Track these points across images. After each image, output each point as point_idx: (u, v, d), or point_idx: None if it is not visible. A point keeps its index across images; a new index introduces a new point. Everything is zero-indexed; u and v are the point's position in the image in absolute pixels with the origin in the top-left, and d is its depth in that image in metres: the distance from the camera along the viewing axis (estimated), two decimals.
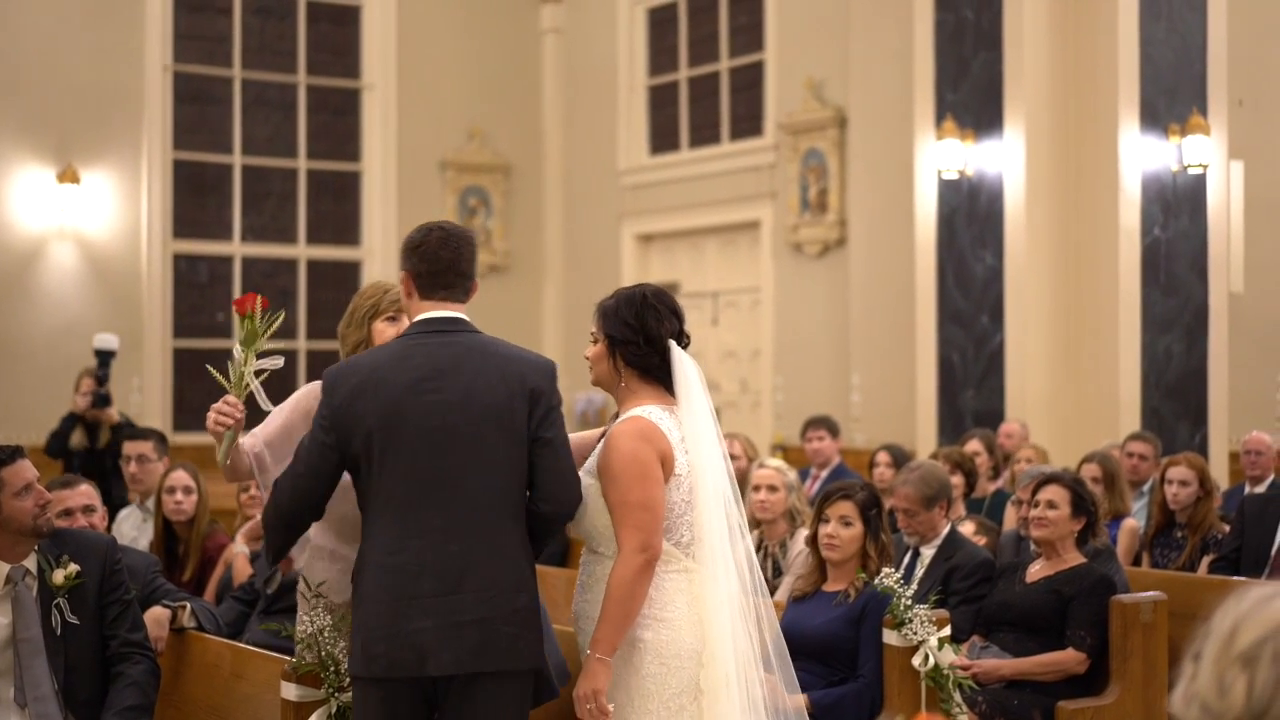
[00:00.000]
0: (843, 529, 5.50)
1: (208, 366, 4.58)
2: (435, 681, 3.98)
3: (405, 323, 4.38)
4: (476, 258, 4.29)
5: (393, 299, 4.55)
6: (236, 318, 4.42)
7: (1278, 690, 1.78)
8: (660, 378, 4.23)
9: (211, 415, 4.27)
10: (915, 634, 5.22)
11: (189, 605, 5.43)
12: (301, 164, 15.85)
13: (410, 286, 4.22)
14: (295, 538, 4.28)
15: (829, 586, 5.55)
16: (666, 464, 4.13)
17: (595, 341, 4.28)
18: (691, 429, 4.18)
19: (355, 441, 4.02)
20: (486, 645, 3.95)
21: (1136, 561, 7.90)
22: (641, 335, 4.19)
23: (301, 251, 15.84)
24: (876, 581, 5.33)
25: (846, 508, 5.53)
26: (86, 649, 4.79)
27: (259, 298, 4.41)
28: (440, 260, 4.19)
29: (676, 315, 4.29)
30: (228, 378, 4.36)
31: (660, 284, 4.69)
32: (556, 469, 4.08)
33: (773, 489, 6.66)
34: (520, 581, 4.03)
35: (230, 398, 4.30)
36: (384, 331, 4.53)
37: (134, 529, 7.41)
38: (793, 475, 6.80)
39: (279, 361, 4.37)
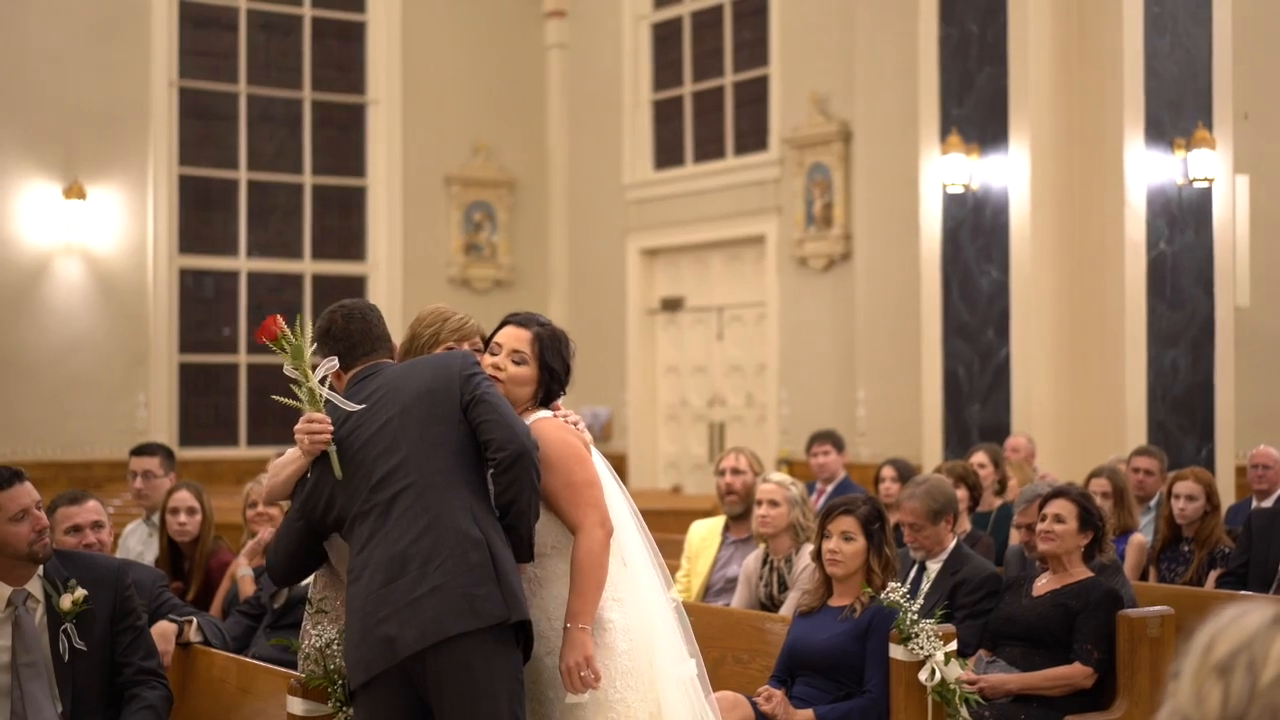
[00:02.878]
0: (845, 544, 5.50)
1: (275, 398, 4.58)
2: (414, 670, 4.01)
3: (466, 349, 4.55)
4: (383, 319, 4.47)
5: (454, 327, 4.60)
6: (270, 345, 4.42)
7: (1252, 700, 1.82)
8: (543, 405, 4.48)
9: (304, 439, 4.26)
10: (921, 648, 5.20)
11: (195, 620, 5.42)
12: (307, 179, 15.88)
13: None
14: (297, 582, 4.67)
15: (834, 601, 5.54)
16: (586, 449, 4.37)
17: (521, 363, 4.41)
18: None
19: (318, 505, 4.27)
20: (444, 612, 3.98)
21: (1144, 576, 7.88)
22: (566, 375, 4.48)
23: (307, 266, 15.86)
24: (883, 596, 5.32)
25: (848, 523, 5.52)
26: (94, 675, 4.75)
27: (277, 318, 4.42)
28: (352, 334, 4.37)
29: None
30: (298, 399, 4.36)
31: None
32: (497, 416, 4.15)
33: (774, 503, 6.65)
34: (467, 542, 4.05)
35: (311, 414, 4.31)
36: None
37: (140, 544, 7.40)
38: (796, 490, 6.78)
39: (334, 363, 4.39)
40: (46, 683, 4.69)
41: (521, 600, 4.08)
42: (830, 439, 10.04)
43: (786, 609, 6.15)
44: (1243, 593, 6.95)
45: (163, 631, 5.26)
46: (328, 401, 4.32)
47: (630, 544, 4.38)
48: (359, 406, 4.33)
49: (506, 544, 4.12)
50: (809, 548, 6.21)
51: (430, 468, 4.12)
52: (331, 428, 4.27)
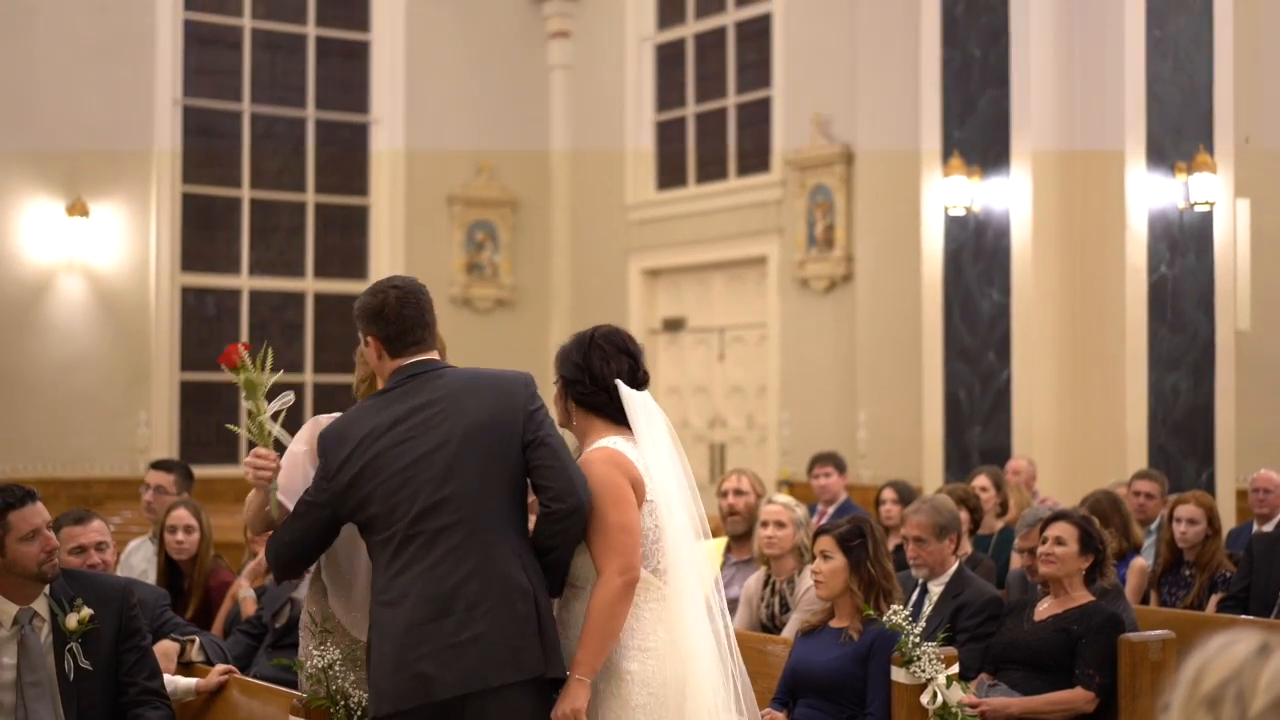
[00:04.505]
0: (824, 563, 5.51)
1: (229, 426, 4.59)
2: (446, 708, 3.97)
3: None
4: (433, 304, 4.33)
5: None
6: (229, 372, 4.42)
7: None
8: (610, 414, 4.28)
9: (249, 472, 4.30)
10: (923, 671, 5.20)
11: (198, 639, 5.42)
12: (310, 198, 15.91)
13: (379, 349, 4.25)
14: (299, 573, 4.38)
15: (836, 623, 5.54)
16: (638, 490, 4.15)
17: (555, 383, 4.38)
18: (652, 460, 4.22)
19: (350, 504, 4.11)
20: (487, 661, 3.94)
21: (1145, 600, 7.88)
22: (587, 375, 4.27)
23: (309, 285, 15.88)
24: (885, 619, 5.31)
25: (825, 542, 5.54)
26: (99, 695, 4.75)
27: (239, 345, 4.42)
28: (405, 319, 4.23)
29: (627, 354, 4.32)
30: (251, 433, 4.36)
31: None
32: (558, 465, 4.08)
33: (780, 525, 6.65)
34: (515, 591, 4.00)
35: (260, 449, 4.31)
36: None
37: (144, 561, 7.40)
38: (801, 511, 6.79)
39: (289, 398, 4.39)
40: (51, 702, 4.68)
41: (560, 655, 4.06)
42: (832, 460, 10.04)
43: (788, 631, 6.15)
44: (1244, 617, 6.94)
45: (165, 651, 5.25)
46: (278, 441, 4.32)
47: (684, 585, 4.19)
48: (304, 447, 4.33)
49: (548, 594, 4.08)
50: (811, 569, 6.21)
51: (484, 507, 4.04)
52: (275, 466, 4.27)
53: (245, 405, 4.39)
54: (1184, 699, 1.88)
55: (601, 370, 4.28)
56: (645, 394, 4.31)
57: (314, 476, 4.18)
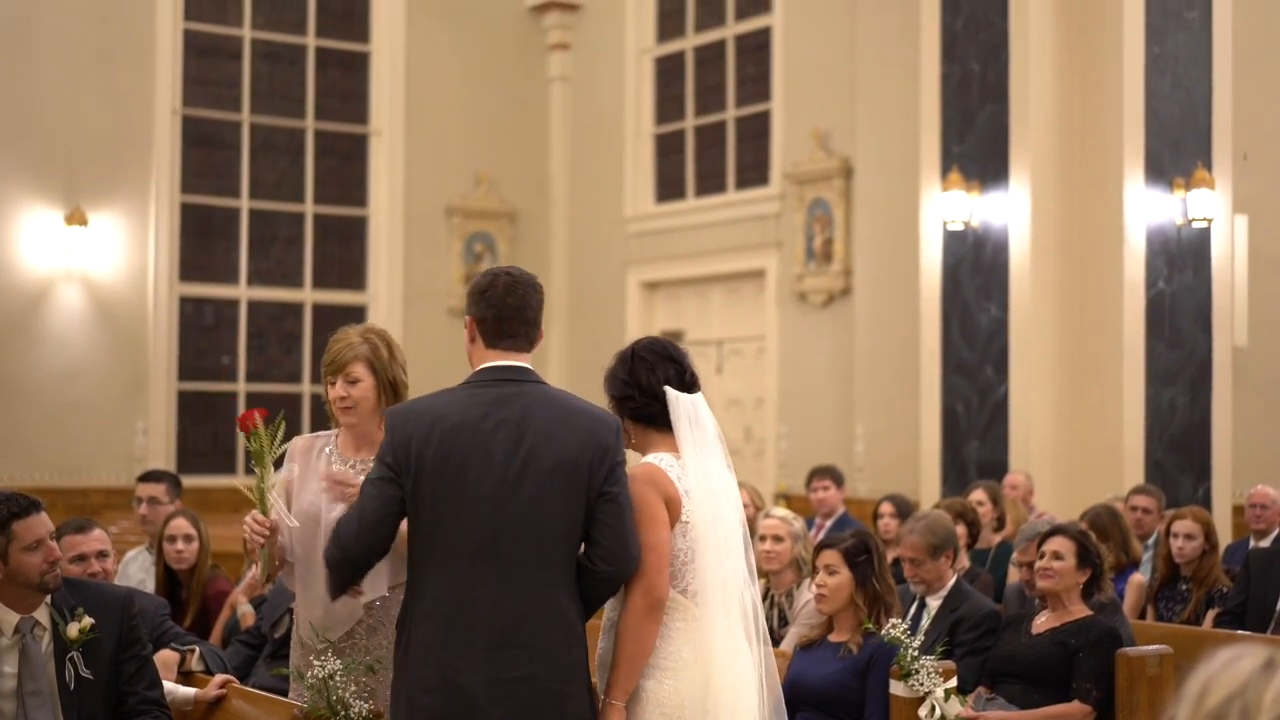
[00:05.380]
0: (829, 578, 5.51)
1: (238, 485, 4.59)
2: None
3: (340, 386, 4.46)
4: (543, 306, 4.26)
5: (326, 360, 4.56)
6: (242, 435, 4.45)
7: None
8: (667, 424, 4.23)
9: (246, 534, 4.31)
10: (922, 685, 5.21)
11: (198, 649, 5.42)
12: (309, 208, 15.92)
13: (474, 331, 4.17)
14: (361, 576, 4.17)
15: (834, 637, 5.54)
16: (673, 508, 4.09)
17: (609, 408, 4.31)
18: (695, 470, 4.17)
19: (416, 485, 3.95)
20: (537, 704, 3.90)
21: (1141, 615, 7.88)
22: (635, 388, 4.23)
23: (308, 296, 15.88)
24: (884, 632, 5.32)
25: (830, 556, 5.54)
26: (100, 704, 4.74)
27: (257, 412, 4.43)
28: (507, 307, 4.15)
29: (672, 360, 4.29)
30: (252, 496, 4.40)
31: (664, 332, 4.74)
32: (620, 527, 4.00)
33: (778, 539, 6.66)
34: (571, 638, 3.97)
35: (257, 514, 4.32)
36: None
37: (142, 570, 7.39)
38: (799, 525, 6.80)
39: (290, 473, 4.47)
40: (51, 711, 4.68)
41: (597, 704, 4.04)
42: (830, 474, 10.05)
43: (786, 644, 6.15)
44: (1240, 632, 6.94)
45: (165, 660, 5.25)
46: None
47: (715, 606, 4.12)
48: (295, 524, 4.33)
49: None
50: (809, 582, 6.21)
51: (551, 545, 3.95)
52: (266, 534, 4.28)
53: (255, 470, 4.41)
54: (1189, 713, 1.88)
55: (649, 380, 4.24)
56: (697, 396, 4.27)
57: (382, 454, 4.00)
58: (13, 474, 13.40)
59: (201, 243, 15.40)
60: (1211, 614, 7.64)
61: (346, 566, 4.05)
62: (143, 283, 14.44)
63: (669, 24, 16.22)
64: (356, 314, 15.94)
